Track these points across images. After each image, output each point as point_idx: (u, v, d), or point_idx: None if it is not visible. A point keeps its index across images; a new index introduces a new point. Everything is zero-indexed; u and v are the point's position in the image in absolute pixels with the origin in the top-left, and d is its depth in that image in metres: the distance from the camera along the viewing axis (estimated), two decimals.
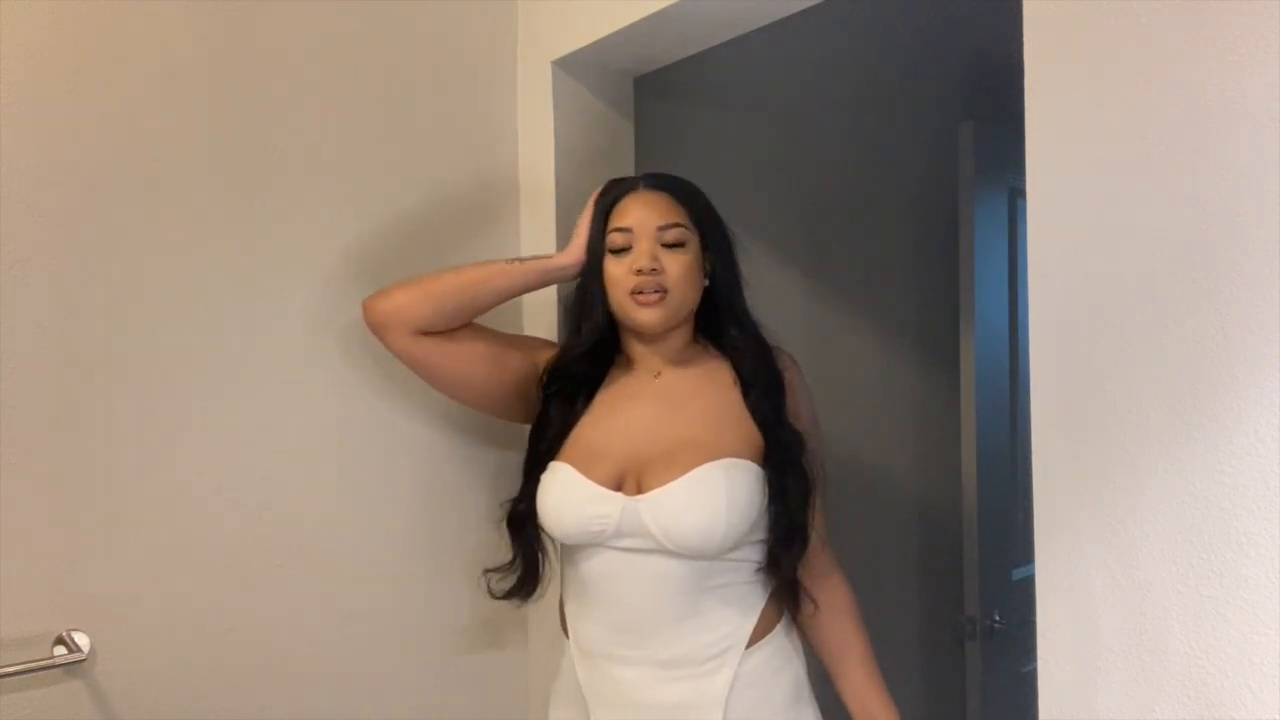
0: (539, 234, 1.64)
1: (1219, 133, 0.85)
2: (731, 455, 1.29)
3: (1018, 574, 2.21)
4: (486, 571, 1.46)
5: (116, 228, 1.30)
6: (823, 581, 1.38)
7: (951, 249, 2.23)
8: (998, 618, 2.17)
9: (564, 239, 1.60)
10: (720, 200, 1.41)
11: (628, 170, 1.69)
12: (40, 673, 1.23)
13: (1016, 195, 2.24)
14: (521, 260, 1.41)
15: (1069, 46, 0.95)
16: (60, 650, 1.24)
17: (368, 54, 1.51)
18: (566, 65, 1.60)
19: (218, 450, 1.38)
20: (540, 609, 1.59)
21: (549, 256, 1.41)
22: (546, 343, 1.51)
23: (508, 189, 1.67)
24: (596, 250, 1.37)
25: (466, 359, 1.41)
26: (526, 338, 1.52)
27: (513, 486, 1.48)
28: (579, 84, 1.63)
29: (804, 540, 1.31)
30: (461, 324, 1.39)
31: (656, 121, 1.81)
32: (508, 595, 1.45)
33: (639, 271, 1.30)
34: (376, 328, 1.39)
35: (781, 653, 1.34)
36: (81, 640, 1.26)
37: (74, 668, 1.26)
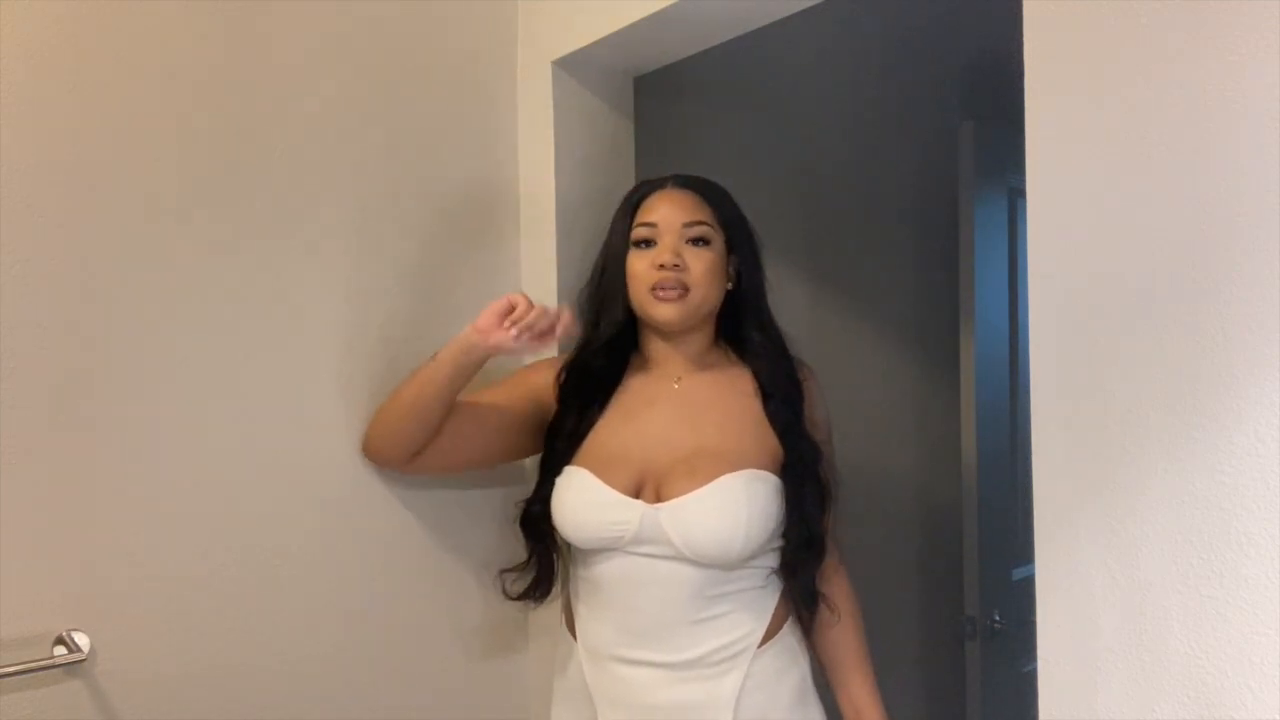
0: (538, 233, 1.64)
1: (1219, 133, 0.85)
2: (751, 465, 1.29)
3: (1018, 574, 2.22)
4: (502, 572, 1.46)
5: (117, 227, 1.30)
6: (829, 587, 1.38)
7: (951, 249, 2.23)
8: (998, 618, 2.17)
9: (564, 238, 1.60)
10: None
11: (627, 170, 1.69)
12: (40, 673, 1.23)
13: (1016, 195, 2.24)
14: (434, 356, 1.34)
15: (1069, 46, 0.95)
16: (60, 650, 1.24)
17: (368, 54, 1.51)
18: (566, 65, 1.60)
19: (220, 450, 1.38)
20: (540, 610, 1.59)
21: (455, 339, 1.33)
22: (539, 365, 1.48)
23: (508, 189, 1.67)
24: (620, 245, 1.36)
25: (472, 440, 1.41)
26: (514, 375, 1.48)
27: (522, 489, 1.48)
28: (579, 84, 1.63)
29: (821, 550, 1.32)
30: (435, 430, 1.36)
31: (656, 121, 1.81)
32: (522, 596, 1.45)
33: (661, 266, 1.30)
34: (381, 467, 1.45)
35: (789, 653, 1.34)
36: (81, 640, 1.25)
37: (74, 668, 1.25)
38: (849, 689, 1.37)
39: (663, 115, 1.84)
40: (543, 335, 1.28)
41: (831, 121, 2.18)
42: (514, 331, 1.25)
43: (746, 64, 1.98)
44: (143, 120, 1.32)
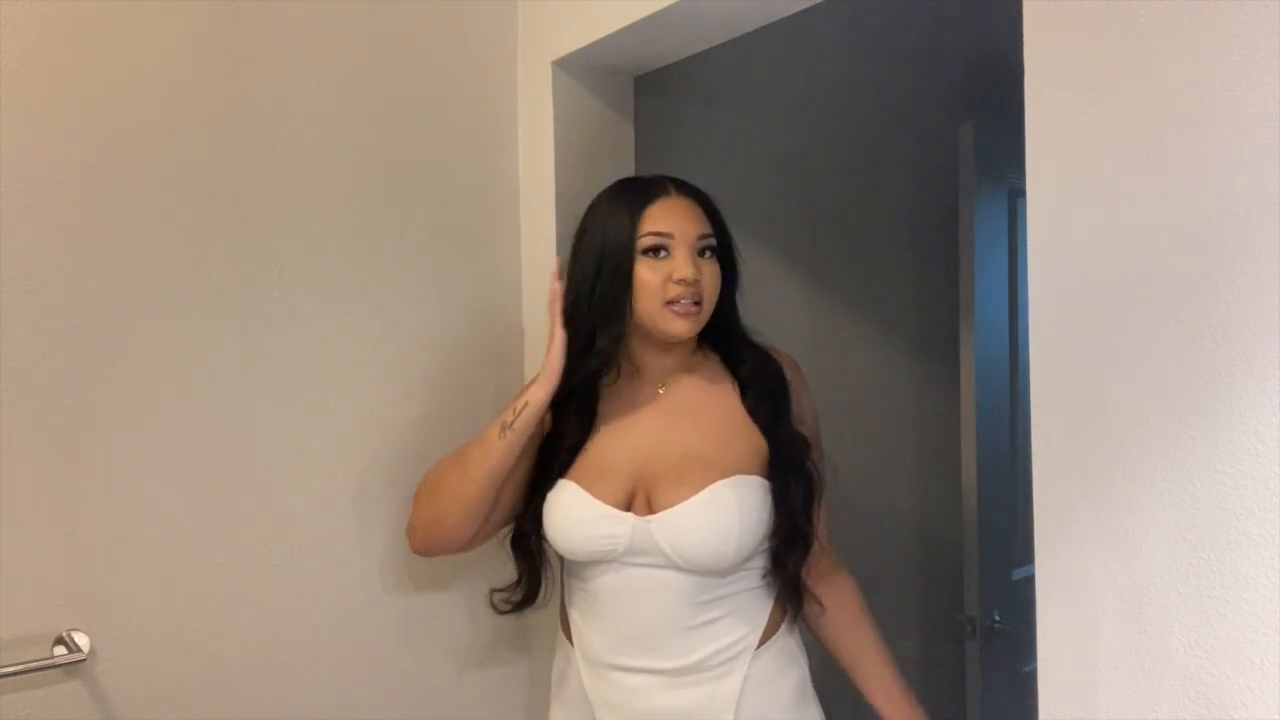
0: (539, 233, 1.64)
1: (1219, 132, 0.85)
2: (741, 470, 1.29)
3: (1018, 574, 2.21)
4: (493, 592, 1.45)
5: (118, 228, 1.30)
6: (829, 580, 1.38)
7: (951, 249, 2.23)
8: (998, 618, 2.17)
9: (564, 239, 1.59)
10: (720, 200, 1.41)
11: (628, 170, 1.69)
12: (40, 673, 1.23)
13: (1016, 195, 2.24)
14: (508, 425, 1.30)
15: (1069, 46, 0.95)
16: (60, 650, 1.24)
17: (367, 55, 1.51)
18: (566, 65, 1.60)
19: (220, 451, 1.38)
20: (541, 619, 1.58)
21: (525, 399, 1.31)
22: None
23: (508, 188, 1.67)
24: (624, 251, 1.29)
25: (516, 499, 1.39)
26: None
27: None
28: (579, 84, 1.63)
29: (807, 543, 1.31)
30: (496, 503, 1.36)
31: (656, 121, 1.81)
32: (510, 611, 1.45)
33: (681, 280, 1.26)
34: (437, 555, 1.41)
35: (787, 652, 1.34)
36: (81, 640, 1.26)
37: (74, 668, 1.26)
38: (871, 673, 1.38)
39: (663, 115, 1.84)
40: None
41: (831, 121, 2.18)
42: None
43: (746, 64, 1.98)
44: (145, 121, 1.32)
